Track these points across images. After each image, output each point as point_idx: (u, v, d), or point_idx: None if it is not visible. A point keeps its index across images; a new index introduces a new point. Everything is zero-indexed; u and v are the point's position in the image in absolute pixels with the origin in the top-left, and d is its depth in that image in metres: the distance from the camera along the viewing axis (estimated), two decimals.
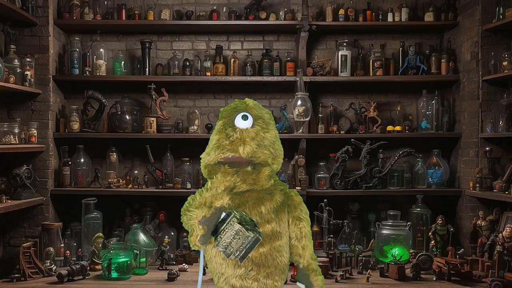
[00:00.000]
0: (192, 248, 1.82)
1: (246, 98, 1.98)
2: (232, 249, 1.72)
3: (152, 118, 4.20)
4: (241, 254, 1.73)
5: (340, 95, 4.54)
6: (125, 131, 4.21)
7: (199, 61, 4.37)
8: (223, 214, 1.76)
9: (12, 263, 3.70)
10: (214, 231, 1.77)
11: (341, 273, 3.44)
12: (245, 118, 1.86)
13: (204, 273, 3.51)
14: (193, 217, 1.75)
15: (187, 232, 4.36)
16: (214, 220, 1.75)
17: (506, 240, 3.40)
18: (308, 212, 2.00)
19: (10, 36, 3.78)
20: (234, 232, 1.71)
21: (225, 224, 1.73)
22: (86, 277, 3.45)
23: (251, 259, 1.83)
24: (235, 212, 1.76)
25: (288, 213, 1.94)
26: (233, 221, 1.72)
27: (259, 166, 1.86)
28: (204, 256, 1.93)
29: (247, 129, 1.85)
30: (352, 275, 3.51)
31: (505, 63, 3.70)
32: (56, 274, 3.36)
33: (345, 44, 4.35)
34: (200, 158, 1.95)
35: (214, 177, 1.86)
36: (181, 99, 4.52)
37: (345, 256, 3.79)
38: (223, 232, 1.72)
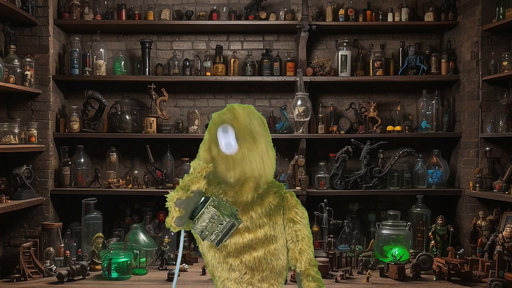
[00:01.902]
0: (168, 228, 1.82)
1: (236, 106, 1.85)
2: (207, 232, 1.72)
3: (152, 118, 4.20)
4: (217, 239, 1.73)
5: (340, 95, 4.54)
6: (125, 131, 4.21)
7: (199, 61, 4.37)
8: (202, 198, 1.76)
9: (12, 263, 3.71)
10: (194, 215, 1.76)
11: (341, 273, 3.44)
12: (228, 146, 1.77)
13: (204, 273, 3.53)
14: (169, 199, 1.73)
15: (187, 232, 4.35)
16: (192, 203, 1.75)
17: (506, 240, 3.40)
18: (306, 215, 1.92)
19: (10, 36, 3.78)
20: (210, 216, 1.70)
21: (203, 208, 1.73)
22: (86, 277, 3.45)
23: (244, 263, 1.81)
24: (213, 197, 1.76)
25: (283, 215, 1.88)
26: (210, 205, 1.72)
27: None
28: (201, 255, 1.91)
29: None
30: (352, 275, 3.50)
31: (505, 63, 3.70)
32: (56, 274, 3.36)
33: (345, 44, 4.35)
34: None
35: (197, 162, 1.80)
36: (181, 99, 4.52)
37: (345, 256, 3.79)
38: (200, 216, 1.72)
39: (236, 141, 1.78)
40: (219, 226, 1.71)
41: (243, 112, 1.83)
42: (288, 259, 1.89)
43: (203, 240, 1.76)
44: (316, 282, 1.85)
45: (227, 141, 1.77)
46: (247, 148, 1.78)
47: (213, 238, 1.73)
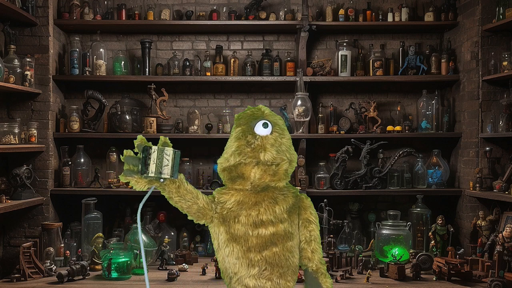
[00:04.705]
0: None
1: (261, 105, 2.04)
2: (160, 170, 1.80)
3: (152, 118, 4.20)
4: (170, 171, 1.81)
5: (340, 95, 4.54)
6: (125, 131, 4.21)
7: (199, 61, 4.37)
8: (142, 148, 1.81)
9: (12, 263, 3.71)
10: (143, 167, 1.81)
11: (341, 273, 3.44)
12: (265, 125, 1.93)
13: (204, 273, 3.53)
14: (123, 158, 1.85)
15: (187, 232, 4.36)
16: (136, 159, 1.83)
17: (506, 240, 3.40)
18: (317, 216, 2.06)
19: (10, 36, 3.78)
20: (155, 155, 1.79)
21: (147, 154, 1.79)
22: (86, 277, 3.45)
23: (265, 258, 1.85)
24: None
25: (299, 216, 1.98)
26: (152, 149, 1.79)
27: None
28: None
29: (267, 136, 1.92)
30: (352, 275, 3.51)
31: (505, 63, 3.70)
32: (56, 274, 3.36)
33: (345, 44, 4.35)
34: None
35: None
36: (181, 99, 4.52)
37: (345, 256, 3.79)
38: (148, 161, 1.79)
39: (271, 125, 1.95)
40: (166, 159, 1.80)
41: (269, 111, 2.02)
42: (301, 259, 1.97)
43: (163, 179, 1.84)
44: (330, 279, 1.99)
45: (264, 122, 1.93)
46: (278, 133, 1.95)
47: (166, 171, 1.81)
